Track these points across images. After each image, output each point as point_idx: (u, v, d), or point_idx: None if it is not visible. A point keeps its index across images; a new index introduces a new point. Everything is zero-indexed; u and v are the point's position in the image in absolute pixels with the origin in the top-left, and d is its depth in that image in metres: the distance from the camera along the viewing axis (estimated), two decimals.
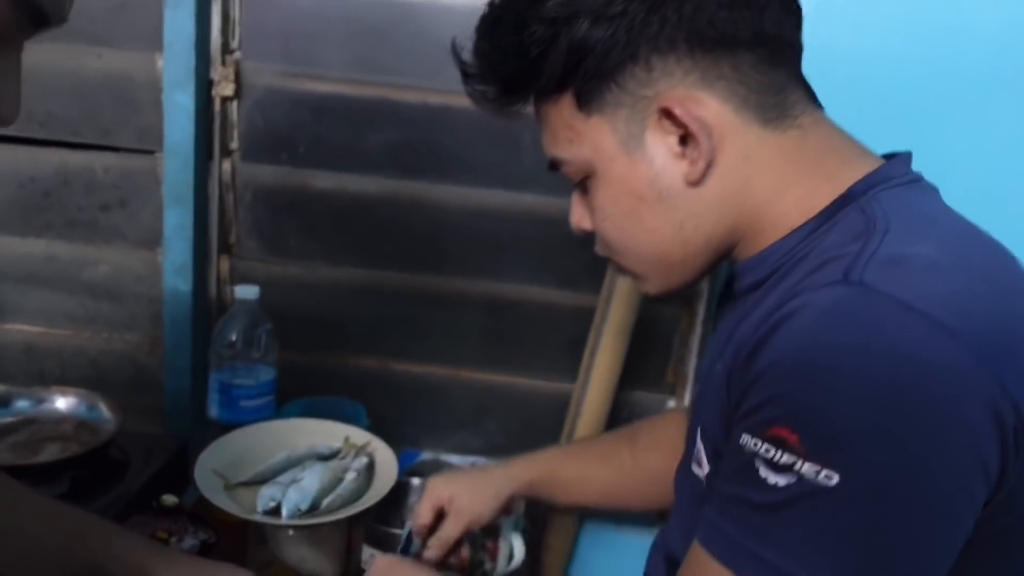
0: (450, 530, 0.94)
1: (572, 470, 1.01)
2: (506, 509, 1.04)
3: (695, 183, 0.66)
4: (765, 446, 0.52)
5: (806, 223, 0.65)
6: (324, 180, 1.28)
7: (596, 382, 1.22)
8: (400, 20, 1.22)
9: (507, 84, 0.70)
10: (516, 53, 0.67)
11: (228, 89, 1.22)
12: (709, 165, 0.65)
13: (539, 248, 1.31)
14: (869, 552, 0.51)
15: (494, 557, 1.09)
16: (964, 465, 0.51)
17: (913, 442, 0.50)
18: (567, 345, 1.34)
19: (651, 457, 0.99)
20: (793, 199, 0.66)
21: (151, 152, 1.26)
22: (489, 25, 0.70)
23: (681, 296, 1.31)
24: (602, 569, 1.37)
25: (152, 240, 1.29)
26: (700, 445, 0.68)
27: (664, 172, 0.66)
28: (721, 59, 0.64)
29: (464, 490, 0.95)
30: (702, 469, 0.68)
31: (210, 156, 1.26)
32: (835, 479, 0.50)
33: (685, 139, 0.65)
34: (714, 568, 0.56)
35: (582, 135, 0.68)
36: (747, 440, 0.54)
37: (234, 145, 1.27)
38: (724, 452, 0.61)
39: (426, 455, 1.36)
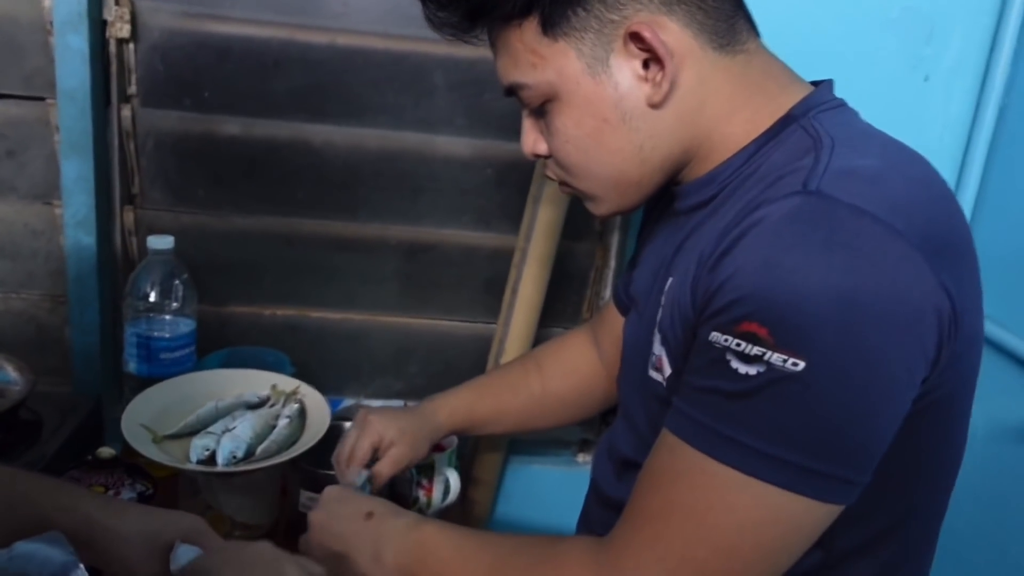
0: (384, 475, 0.95)
1: (488, 406, 1.05)
2: (439, 446, 1.07)
3: (657, 105, 0.68)
4: (736, 341, 0.57)
5: (751, 143, 0.69)
6: (231, 126, 1.24)
7: (518, 318, 1.25)
8: None
9: (471, 9, 0.70)
10: None
11: (124, 31, 1.16)
12: (671, 88, 0.67)
13: (455, 190, 1.31)
14: (830, 427, 0.56)
15: (430, 494, 1.11)
16: (910, 351, 0.57)
17: (869, 331, 0.55)
18: (485, 285, 1.36)
19: (558, 382, 1.05)
20: (740, 120, 0.70)
21: (41, 99, 1.19)
22: None
23: (594, 231, 1.35)
24: (527, 499, 1.42)
25: (47, 192, 1.22)
26: (660, 351, 0.72)
27: (628, 94, 0.68)
28: None
29: (400, 434, 0.96)
30: (662, 373, 0.72)
31: (107, 102, 1.19)
32: (801, 365, 0.55)
33: (647, 63, 0.67)
34: (688, 453, 0.60)
35: (546, 59, 0.69)
36: (717, 337, 0.58)
37: (132, 90, 1.21)
38: (689, 352, 0.64)
39: (349, 401, 1.36)
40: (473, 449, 1.32)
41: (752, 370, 0.56)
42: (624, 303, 0.98)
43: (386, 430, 0.95)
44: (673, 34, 0.67)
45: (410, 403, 1.27)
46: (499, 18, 0.70)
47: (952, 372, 0.62)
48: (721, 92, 0.69)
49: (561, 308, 1.38)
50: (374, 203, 1.30)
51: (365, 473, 0.93)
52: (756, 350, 0.56)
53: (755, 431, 0.57)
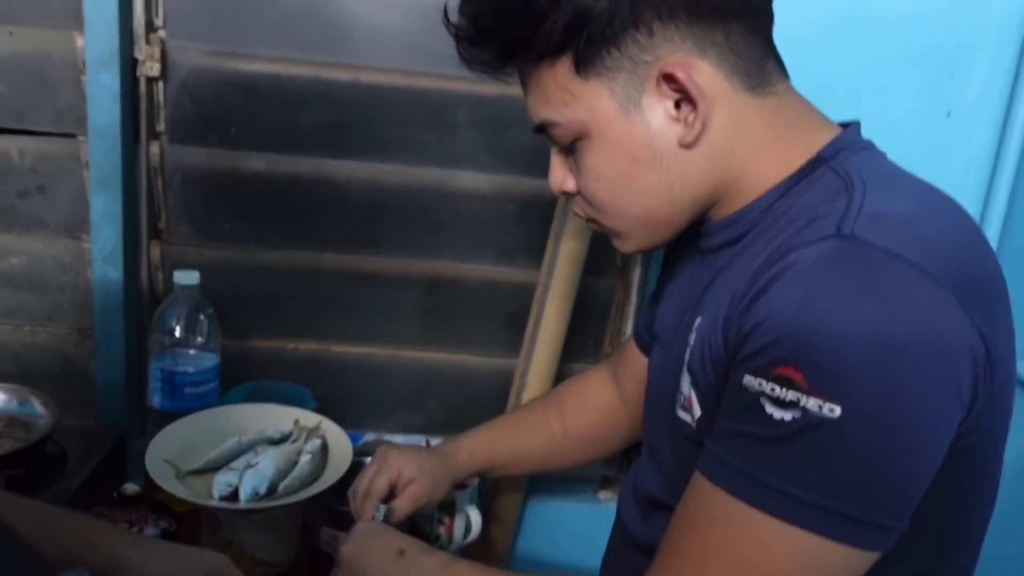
0: (402, 511, 0.95)
1: (509, 446, 1.05)
2: (460, 484, 1.06)
3: (688, 145, 0.69)
4: (770, 385, 0.56)
5: (780, 183, 0.70)
6: (257, 161, 1.26)
7: (540, 353, 1.25)
8: None
9: (505, 48, 0.71)
10: (518, 17, 0.68)
11: (154, 69, 1.18)
12: (703, 129, 0.68)
13: (477, 225, 1.32)
14: (868, 473, 0.56)
15: (451, 531, 1.11)
16: (946, 395, 0.57)
17: (906, 376, 0.55)
18: (507, 320, 1.36)
19: (580, 422, 1.04)
20: (770, 161, 0.70)
21: (72, 135, 1.21)
22: None
23: (615, 266, 1.35)
24: (548, 536, 1.41)
25: (75, 227, 1.24)
26: (688, 392, 0.71)
27: (660, 134, 0.69)
28: (715, 27, 0.67)
29: (420, 472, 0.96)
30: (691, 413, 0.71)
31: (136, 139, 1.21)
32: (837, 411, 0.54)
33: (679, 103, 0.68)
34: (722, 498, 0.59)
35: (578, 98, 0.70)
36: (751, 380, 0.58)
37: (161, 127, 1.23)
38: (721, 394, 0.64)
39: (369, 436, 1.36)
40: (493, 486, 1.31)
41: (787, 415, 0.56)
42: (646, 341, 0.97)
43: (405, 467, 0.95)
44: (706, 75, 0.67)
45: (431, 439, 1.28)
46: (532, 56, 0.71)
47: (987, 415, 0.61)
48: (752, 133, 0.70)
49: (582, 343, 1.38)
50: (396, 238, 1.31)
51: (383, 508, 0.93)
52: (791, 395, 0.55)
53: (791, 477, 0.56)
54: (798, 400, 0.55)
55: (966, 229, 0.64)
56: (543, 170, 1.28)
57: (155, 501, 0.93)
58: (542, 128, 0.74)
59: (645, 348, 0.98)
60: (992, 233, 1.28)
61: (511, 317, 1.35)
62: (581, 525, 1.41)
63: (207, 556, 0.72)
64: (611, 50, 0.67)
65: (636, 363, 0.99)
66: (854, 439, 0.55)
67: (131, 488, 0.92)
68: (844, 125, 0.73)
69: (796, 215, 0.65)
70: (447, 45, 1.21)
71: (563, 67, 0.69)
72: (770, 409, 0.56)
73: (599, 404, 1.05)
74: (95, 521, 0.77)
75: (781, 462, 0.57)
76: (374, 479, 0.95)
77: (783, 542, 0.57)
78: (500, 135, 1.28)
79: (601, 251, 1.32)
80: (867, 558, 0.58)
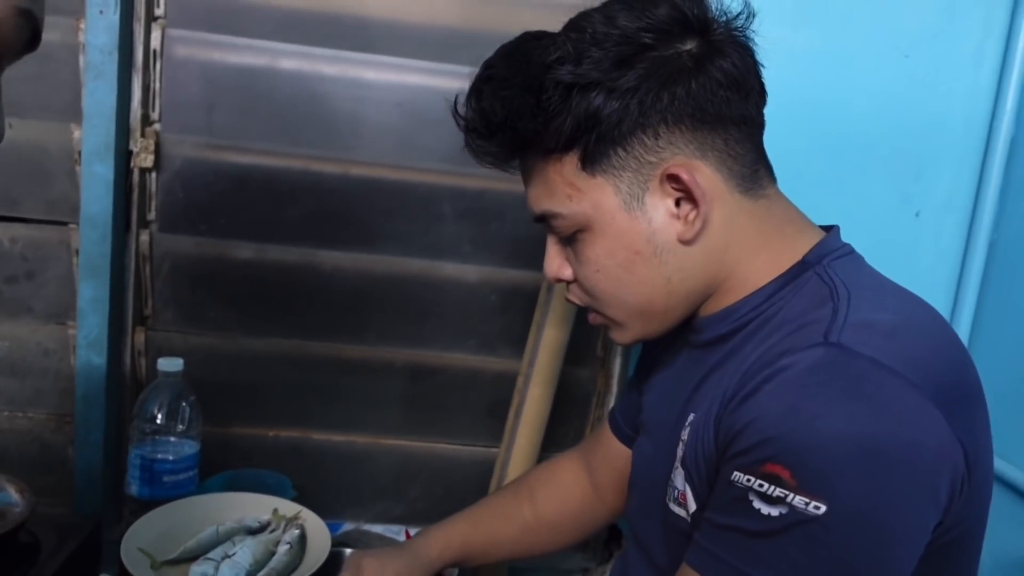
0: None
1: (482, 537, 1.04)
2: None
3: (688, 242, 0.72)
4: (759, 481, 0.59)
5: (768, 284, 0.73)
6: (244, 250, 1.28)
7: (521, 442, 1.25)
8: (322, 94, 1.25)
9: (514, 142, 0.74)
10: (530, 114, 0.71)
11: (147, 160, 1.21)
12: (702, 227, 0.72)
13: (460, 315, 1.34)
14: (848, 569, 0.58)
15: None
16: (923, 499, 0.60)
17: (889, 478, 0.58)
18: (488, 409, 1.37)
19: (552, 510, 1.04)
20: (761, 261, 0.74)
21: (64, 223, 1.23)
22: (497, 85, 0.73)
23: (596, 356, 1.37)
24: None
25: (62, 313, 1.25)
26: (683, 487, 0.73)
27: (661, 230, 0.72)
28: (716, 133, 0.71)
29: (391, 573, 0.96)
30: (685, 508, 0.73)
31: (127, 227, 1.24)
32: (823, 509, 0.57)
33: (679, 201, 0.72)
34: None
35: (583, 192, 0.73)
36: (739, 476, 0.61)
37: (152, 216, 1.25)
38: (712, 488, 0.66)
39: (349, 525, 1.35)
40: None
41: (775, 511, 0.58)
42: (624, 431, 0.99)
43: (378, 570, 0.95)
44: (706, 177, 0.71)
45: (411, 529, 1.27)
46: (540, 151, 0.74)
47: (966, 513, 0.64)
48: (745, 233, 0.73)
49: (564, 432, 1.39)
50: (380, 326, 1.33)
51: None
52: (779, 492, 0.58)
53: (777, 571, 0.58)
54: (785, 496, 0.58)
55: (944, 336, 0.68)
56: (525, 262, 1.32)
57: None
58: (543, 218, 0.77)
59: (624, 438, 0.99)
60: (962, 330, 1.31)
61: (493, 406, 1.36)
62: None
63: None
64: (618, 150, 0.71)
65: (611, 451, 1.00)
66: (837, 535, 0.57)
67: None
68: (825, 228, 0.78)
69: (785, 319, 0.69)
70: (434, 140, 1.28)
71: (570, 163, 0.73)
72: (758, 504, 0.59)
73: (571, 492, 1.05)
74: None
75: (768, 556, 0.59)
76: None
77: None
78: (484, 227, 1.32)
79: (582, 341, 1.34)
80: None
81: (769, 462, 0.59)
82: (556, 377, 1.27)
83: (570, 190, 0.73)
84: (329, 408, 1.34)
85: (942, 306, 1.33)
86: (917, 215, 1.32)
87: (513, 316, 1.34)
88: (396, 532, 1.32)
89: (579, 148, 0.72)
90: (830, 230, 0.77)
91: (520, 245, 1.33)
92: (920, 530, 0.60)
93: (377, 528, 1.34)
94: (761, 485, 0.59)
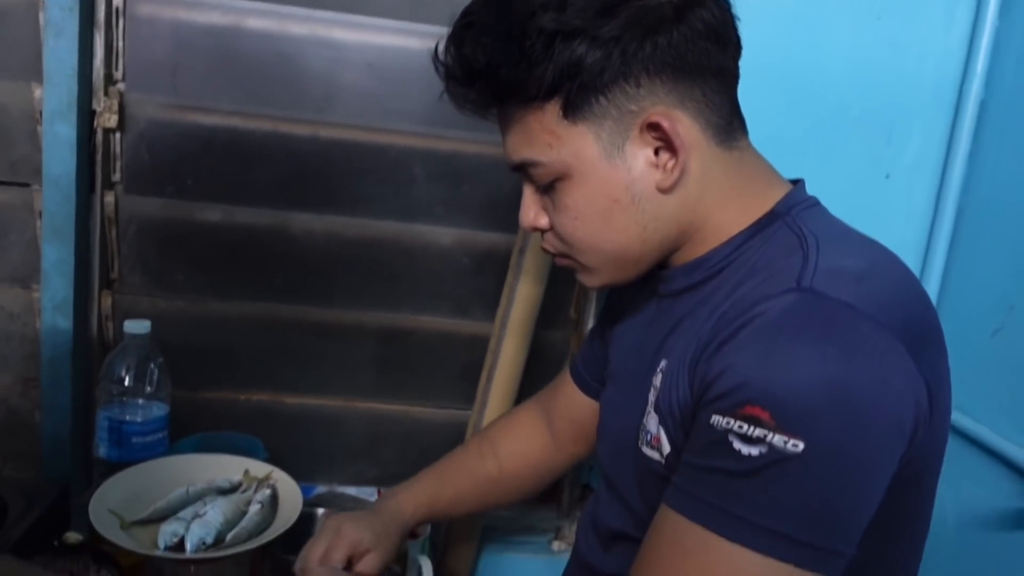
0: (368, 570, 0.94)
1: (449, 494, 1.06)
2: (412, 533, 1.06)
3: (666, 190, 0.73)
4: (738, 423, 0.61)
5: (739, 234, 0.75)
6: (212, 212, 1.26)
7: (493, 404, 1.26)
8: (291, 54, 1.23)
9: (494, 90, 0.74)
10: (512, 62, 0.71)
11: (111, 121, 1.19)
12: (680, 176, 0.73)
13: (432, 278, 1.33)
14: (827, 504, 0.60)
15: None
16: (893, 434, 0.62)
17: (861, 415, 0.60)
18: (461, 372, 1.36)
19: (513, 463, 1.07)
20: (732, 211, 0.75)
21: (26, 185, 1.21)
22: (479, 31, 0.72)
23: (568, 319, 1.37)
24: None
25: (26, 277, 1.23)
26: (657, 431, 0.74)
27: (640, 179, 0.73)
28: (695, 83, 0.72)
29: (376, 540, 0.96)
30: (658, 451, 0.74)
31: (92, 189, 1.22)
32: (800, 447, 0.59)
33: (658, 151, 0.72)
34: (693, 530, 0.62)
35: (563, 140, 0.73)
36: (718, 420, 0.62)
37: (117, 177, 1.23)
38: (688, 432, 0.68)
39: (321, 488, 1.34)
40: (446, 538, 1.30)
41: (754, 451, 0.60)
42: (588, 382, 1.01)
43: (361, 537, 0.95)
44: (685, 126, 0.72)
45: (384, 489, 1.27)
46: (521, 99, 0.73)
47: (926, 447, 0.66)
48: (719, 183, 0.75)
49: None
50: (352, 290, 1.32)
51: None
52: (758, 432, 0.59)
53: (759, 509, 0.60)
54: (765, 436, 0.59)
55: (908, 281, 0.70)
56: (498, 224, 1.32)
57: (98, 551, 0.91)
58: (521, 167, 0.78)
59: (587, 388, 1.01)
60: (931, 290, 1.33)
61: (465, 369, 1.36)
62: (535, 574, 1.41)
63: None
64: (600, 98, 0.71)
65: (573, 401, 1.02)
66: (815, 472, 0.59)
67: (73, 537, 0.90)
68: (792, 182, 0.79)
69: (756, 267, 0.71)
70: (406, 102, 1.27)
71: (551, 111, 0.72)
72: (738, 445, 0.60)
73: (532, 443, 1.08)
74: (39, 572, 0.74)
75: (749, 495, 0.60)
76: (330, 553, 0.93)
77: (752, 570, 0.60)
78: (456, 190, 1.31)
79: (555, 306, 1.34)
80: None
81: (748, 404, 0.60)
82: (529, 340, 1.27)
83: (550, 138, 0.73)
84: (301, 372, 1.34)
85: (912, 265, 1.32)
86: (887, 177, 1.33)
87: (486, 279, 1.34)
88: (369, 494, 1.32)
89: (561, 96, 0.71)
90: (796, 183, 0.79)
91: (493, 208, 1.32)
92: (889, 463, 0.63)
93: (350, 490, 1.34)
94: (741, 427, 0.60)
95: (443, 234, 1.32)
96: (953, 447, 1.24)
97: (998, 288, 1.24)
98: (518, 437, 1.07)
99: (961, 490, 1.23)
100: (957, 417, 1.23)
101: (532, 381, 1.34)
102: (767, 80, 1.25)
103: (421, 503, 1.03)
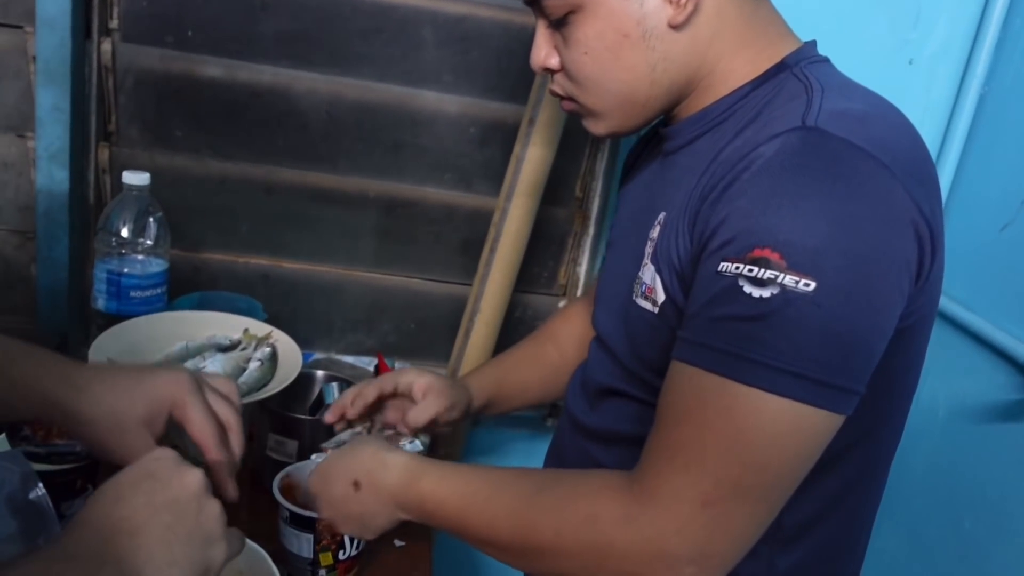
0: (420, 420, 0.94)
1: (515, 381, 1.07)
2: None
3: (677, 27, 0.71)
4: (748, 267, 0.60)
5: (746, 84, 0.73)
6: (214, 67, 1.22)
7: (495, 277, 1.25)
8: None
9: None
10: None
11: None
12: (693, 11, 0.70)
13: (437, 147, 1.30)
14: (841, 342, 0.60)
15: None
16: (900, 270, 0.62)
17: (869, 252, 0.60)
18: (462, 246, 1.35)
19: (572, 351, 1.06)
20: (741, 60, 0.73)
21: (19, 27, 1.16)
22: None
23: (574, 197, 1.35)
24: (495, 462, 1.42)
25: (20, 125, 1.19)
26: (652, 281, 0.73)
27: (653, 13, 0.71)
28: None
29: (440, 386, 0.96)
30: (651, 300, 0.74)
31: (88, 34, 1.17)
32: (812, 285, 0.58)
33: None
34: (711, 380, 0.62)
35: None
36: (727, 266, 0.61)
37: (114, 24, 1.18)
38: (686, 282, 0.67)
39: (319, 355, 1.35)
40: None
41: (766, 292, 0.59)
42: None
43: (422, 380, 0.95)
44: None
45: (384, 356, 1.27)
46: None
47: (926, 295, 0.66)
48: (732, 27, 0.73)
49: (538, 273, 1.38)
50: (355, 156, 1.29)
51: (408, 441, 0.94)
52: (769, 274, 0.59)
53: (774, 350, 0.59)
54: (776, 277, 0.59)
55: (909, 129, 0.69)
56: (507, 95, 1.28)
57: None
58: (535, 1, 0.75)
59: None
60: (944, 182, 1.31)
61: (467, 243, 1.34)
62: (529, 451, 1.43)
63: (155, 387, 0.69)
64: None
65: None
66: (828, 310, 0.59)
67: None
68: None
69: (760, 114, 0.69)
70: None
71: None
72: (749, 288, 0.60)
73: (586, 334, 1.05)
74: (34, 351, 0.70)
75: (763, 337, 0.59)
76: (368, 384, 0.95)
77: (771, 412, 0.60)
78: (465, 56, 1.26)
79: (560, 183, 1.31)
80: (838, 421, 0.62)
81: (756, 247, 0.59)
82: (533, 214, 1.25)
83: None
84: (300, 237, 1.32)
85: None
86: (911, 63, 1.29)
87: (493, 151, 1.31)
88: (367, 363, 1.33)
89: None
90: (809, 43, 0.77)
91: (503, 76, 1.28)
92: (898, 300, 0.63)
93: (348, 359, 1.34)
94: (751, 270, 0.59)
95: (450, 102, 1.28)
96: (950, 339, 1.25)
97: (1011, 184, 1.22)
98: (575, 327, 1.06)
99: (953, 382, 1.25)
100: (957, 309, 1.23)
101: (533, 258, 1.33)
102: None
103: (485, 386, 1.03)
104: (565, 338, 1.06)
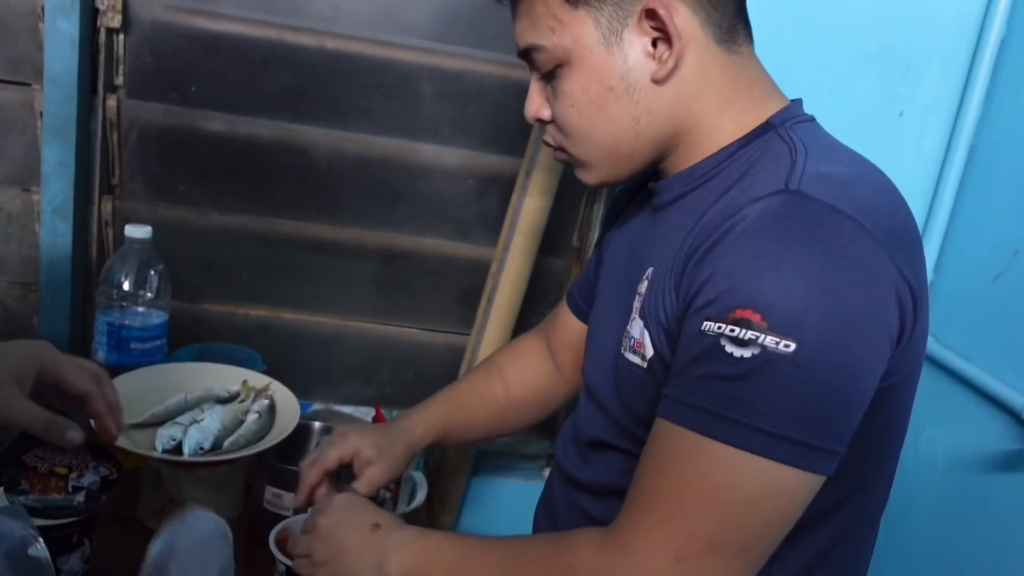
0: (362, 491, 0.94)
1: (460, 420, 1.06)
2: None
3: (660, 82, 0.73)
4: (729, 327, 0.61)
5: (733, 142, 0.74)
6: (216, 122, 1.24)
7: (492, 328, 1.25)
8: None
9: None
10: None
11: (115, 20, 1.16)
12: (675, 67, 0.72)
13: (435, 199, 1.32)
14: (820, 403, 0.61)
15: (396, 497, 1.11)
16: (880, 334, 0.63)
17: (849, 315, 0.61)
18: (461, 296, 1.36)
19: (520, 390, 1.08)
20: (727, 117, 0.75)
21: (27, 84, 1.18)
22: None
23: (570, 247, 1.37)
24: (493, 511, 1.41)
25: (26, 179, 1.22)
26: (640, 336, 0.74)
27: (636, 67, 0.73)
28: None
29: (377, 453, 0.96)
30: (640, 355, 0.75)
31: (94, 91, 1.19)
32: (792, 347, 0.59)
33: (656, 42, 0.72)
34: (690, 438, 0.62)
35: (565, 25, 0.73)
36: (709, 326, 0.62)
37: (119, 80, 1.21)
38: (672, 337, 0.69)
39: (318, 405, 1.35)
40: (441, 461, 1.31)
41: (747, 353, 0.60)
42: (582, 307, 1.01)
43: (363, 447, 0.95)
44: (683, 18, 0.72)
45: (381, 408, 1.27)
46: None
47: (909, 356, 0.67)
48: (715, 84, 0.74)
49: (535, 322, 1.37)
50: (354, 207, 1.31)
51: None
52: (750, 334, 0.60)
53: (753, 410, 0.60)
54: (756, 338, 0.59)
55: (892, 193, 0.70)
56: (504, 147, 1.30)
57: (97, 446, 0.91)
58: (527, 53, 0.78)
59: (581, 314, 1.01)
60: (936, 231, 1.32)
61: (465, 293, 1.35)
62: (526, 501, 1.42)
63: (18, 347, 0.73)
64: None
65: (570, 329, 1.03)
66: (808, 371, 0.59)
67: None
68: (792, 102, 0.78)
69: (745, 174, 0.70)
70: (414, 14, 1.23)
71: None
72: (730, 348, 0.60)
73: (537, 370, 1.08)
74: None
75: (743, 397, 0.60)
76: (325, 450, 0.95)
77: (749, 472, 0.61)
78: (463, 110, 1.29)
79: (557, 232, 1.33)
80: (819, 481, 0.63)
81: (738, 308, 0.60)
82: (530, 265, 1.27)
83: (553, 22, 0.74)
84: (299, 288, 1.33)
85: (919, 207, 1.33)
86: (901, 115, 1.31)
87: (490, 202, 1.32)
88: (365, 413, 1.33)
89: None
90: (795, 101, 0.78)
91: (500, 130, 1.30)
92: (879, 361, 0.64)
93: (346, 409, 1.34)
94: (732, 330, 0.60)
95: (448, 154, 1.30)
96: (947, 389, 1.25)
97: (1003, 233, 1.23)
98: (524, 364, 1.08)
99: (951, 432, 1.25)
100: (953, 358, 1.23)
101: (531, 307, 1.34)
102: (783, 9, 1.23)
103: (432, 427, 1.03)
104: (512, 377, 1.07)
